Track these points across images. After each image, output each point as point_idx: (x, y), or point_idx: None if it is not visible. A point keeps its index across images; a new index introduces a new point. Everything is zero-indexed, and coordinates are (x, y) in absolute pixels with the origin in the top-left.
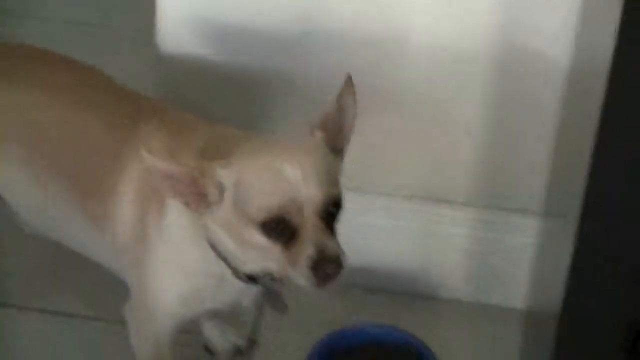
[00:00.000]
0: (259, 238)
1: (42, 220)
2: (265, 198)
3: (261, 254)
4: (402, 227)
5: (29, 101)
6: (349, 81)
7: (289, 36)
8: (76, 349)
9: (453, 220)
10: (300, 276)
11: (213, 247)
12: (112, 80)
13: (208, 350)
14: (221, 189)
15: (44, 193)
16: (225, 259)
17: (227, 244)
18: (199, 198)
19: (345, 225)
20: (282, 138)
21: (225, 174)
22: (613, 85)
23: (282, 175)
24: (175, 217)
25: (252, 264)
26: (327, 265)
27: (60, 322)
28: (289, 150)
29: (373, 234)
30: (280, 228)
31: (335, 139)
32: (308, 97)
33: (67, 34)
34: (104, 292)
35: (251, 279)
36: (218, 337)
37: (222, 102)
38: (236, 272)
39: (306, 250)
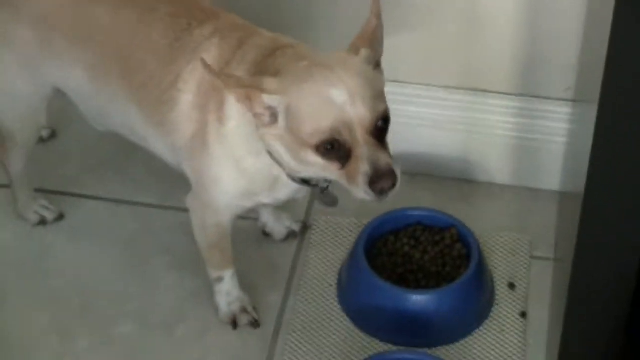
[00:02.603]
0: (315, 159)
1: (105, 121)
2: (316, 122)
3: (319, 171)
4: (443, 116)
5: (93, 5)
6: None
7: None
8: (141, 234)
9: (492, 109)
10: (359, 192)
11: (270, 154)
12: None
13: (266, 234)
14: (273, 112)
15: (105, 96)
16: (281, 165)
17: (284, 156)
18: (255, 114)
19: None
20: (328, 58)
21: (275, 100)
22: None
23: (329, 99)
24: (235, 124)
25: (308, 173)
26: (382, 180)
27: (126, 210)
28: (334, 73)
29: (416, 122)
30: (334, 149)
31: (377, 54)
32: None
33: None
34: (168, 183)
35: (305, 181)
36: (274, 222)
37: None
38: (291, 176)
39: (361, 167)
